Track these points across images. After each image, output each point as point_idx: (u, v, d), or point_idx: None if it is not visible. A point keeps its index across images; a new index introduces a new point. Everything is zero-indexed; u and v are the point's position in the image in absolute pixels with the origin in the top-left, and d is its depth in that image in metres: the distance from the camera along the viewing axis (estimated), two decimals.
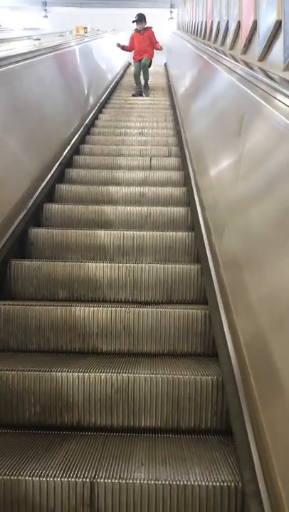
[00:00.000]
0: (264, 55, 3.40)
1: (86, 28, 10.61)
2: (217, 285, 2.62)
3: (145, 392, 2.23)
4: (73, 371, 2.27)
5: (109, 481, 1.81)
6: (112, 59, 10.66)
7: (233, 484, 1.79)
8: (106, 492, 1.80)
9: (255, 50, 3.67)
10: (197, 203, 3.69)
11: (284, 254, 1.68)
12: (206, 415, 2.20)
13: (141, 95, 9.34)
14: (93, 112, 7.10)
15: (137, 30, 9.41)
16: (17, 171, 3.75)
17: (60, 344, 2.70)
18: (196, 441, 2.12)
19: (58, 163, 4.69)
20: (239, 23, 4.38)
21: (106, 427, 2.22)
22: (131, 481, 1.81)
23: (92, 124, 6.78)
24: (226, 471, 1.86)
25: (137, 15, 9.29)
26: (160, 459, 1.97)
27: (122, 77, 11.07)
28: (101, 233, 3.56)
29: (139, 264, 3.13)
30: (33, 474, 1.83)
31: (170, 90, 9.54)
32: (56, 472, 1.85)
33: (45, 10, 20.31)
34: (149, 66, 9.46)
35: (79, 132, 5.88)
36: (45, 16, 20.16)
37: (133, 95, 9.31)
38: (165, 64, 13.29)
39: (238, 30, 4.47)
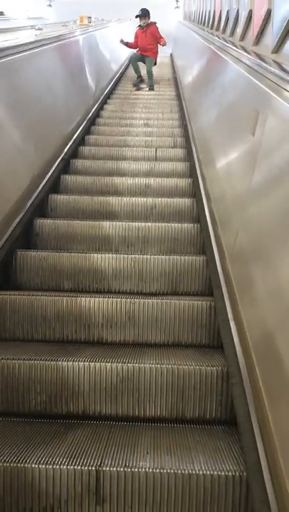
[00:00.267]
0: (278, 47, 3.31)
1: (90, 17, 10.55)
2: (223, 277, 2.62)
3: (150, 382, 2.24)
4: (79, 361, 2.29)
5: (114, 469, 1.83)
6: (117, 49, 10.59)
7: (237, 473, 1.80)
8: (111, 480, 1.82)
9: (268, 42, 3.59)
10: (203, 194, 3.69)
11: None
12: (211, 405, 2.21)
13: (142, 84, 9.10)
14: (98, 103, 7.08)
15: (140, 27, 9.13)
16: (22, 162, 3.75)
17: (66, 334, 2.71)
18: (200, 430, 2.14)
19: (63, 154, 4.68)
20: (251, 11, 4.27)
21: (111, 416, 2.24)
22: (136, 470, 1.83)
23: (97, 114, 6.76)
24: (231, 460, 1.87)
25: (141, 10, 8.98)
26: (165, 447, 1.98)
27: (126, 67, 11.01)
28: (106, 224, 3.56)
29: (145, 256, 3.13)
30: (40, 462, 1.85)
31: (176, 81, 9.49)
32: (62, 460, 1.87)
33: None
34: (155, 64, 9.22)
35: (84, 123, 5.87)
36: (49, 5, 20.00)
37: (134, 85, 9.03)
38: (171, 54, 13.21)
39: (250, 20, 4.36)
